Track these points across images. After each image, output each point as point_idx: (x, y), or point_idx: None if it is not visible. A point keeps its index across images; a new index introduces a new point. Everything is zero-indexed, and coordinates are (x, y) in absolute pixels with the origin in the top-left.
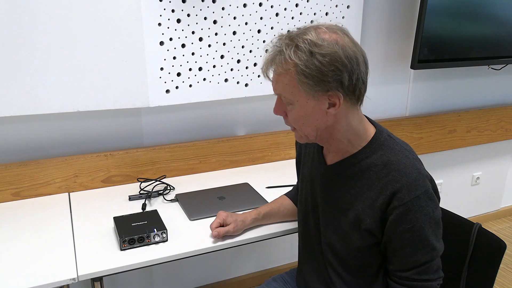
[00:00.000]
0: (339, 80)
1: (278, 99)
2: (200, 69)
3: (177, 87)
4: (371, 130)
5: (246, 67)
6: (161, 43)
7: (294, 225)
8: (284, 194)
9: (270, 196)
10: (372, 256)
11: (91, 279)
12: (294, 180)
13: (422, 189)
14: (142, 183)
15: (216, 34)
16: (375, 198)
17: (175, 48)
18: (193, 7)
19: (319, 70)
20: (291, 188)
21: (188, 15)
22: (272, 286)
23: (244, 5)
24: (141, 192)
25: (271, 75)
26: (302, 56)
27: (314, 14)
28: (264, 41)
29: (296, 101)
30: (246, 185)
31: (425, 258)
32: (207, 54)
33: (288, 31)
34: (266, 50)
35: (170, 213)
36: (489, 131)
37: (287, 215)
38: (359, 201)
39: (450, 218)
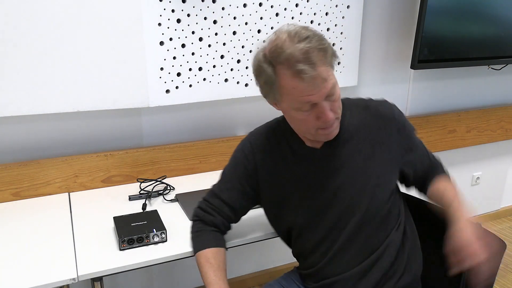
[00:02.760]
0: None
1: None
2: (200, 69)
3: (177, 87)
4: None
5: (246, 67)
6: (161, 43)
7: None
8: (212, 248)
9: None
10: (396, 199)
11: (91, 279)
12: None
13: (393, 103)
14: (142, 183)
15: (216, 34)
16: (383, 131)
17: (175, 48)
18: (193, 7)
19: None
20: None
21: (188, 15)
22: None
23: (244, 5)
24: (141, 192)
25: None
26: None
27: (314, 14)
28: (264, 41)
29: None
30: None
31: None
32: (207, 54)
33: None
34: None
35: (170, 213)
36: (489, 131)
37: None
38: (370, 147)
39: None
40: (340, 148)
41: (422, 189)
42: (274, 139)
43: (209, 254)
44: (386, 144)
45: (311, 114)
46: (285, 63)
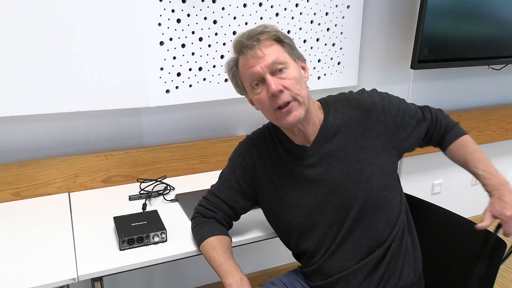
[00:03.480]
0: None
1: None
2: (200, 69)
3: (177, 87)
4: (315, 101)
5: None
6: (161, 43)
7: None
8: (216, 235)
9: None
10: (394, 184)
11: (91, 279)
12: None
13: (376, 90)
14: (142, 183)
15: (216, 34)
16: (369, 121)
17: (175, 48)
18: (193, 7)
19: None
20: None
21: (188, 15)
22: None
23: (244, 5)
24: (141, 192)
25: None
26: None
27: (314, 14)
28: None
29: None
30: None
31: (416, 106)
32: (207, 54)
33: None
34: None
35: (170, 213)
36: (489, 131)
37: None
38: (360, 138)
39: (450, 218)
40: (329, 144)
41: (443, 150)
42: (270, 139)
43: (214, 241)
44: (374, 131)
45: (263, 91)
46: (235, 48)
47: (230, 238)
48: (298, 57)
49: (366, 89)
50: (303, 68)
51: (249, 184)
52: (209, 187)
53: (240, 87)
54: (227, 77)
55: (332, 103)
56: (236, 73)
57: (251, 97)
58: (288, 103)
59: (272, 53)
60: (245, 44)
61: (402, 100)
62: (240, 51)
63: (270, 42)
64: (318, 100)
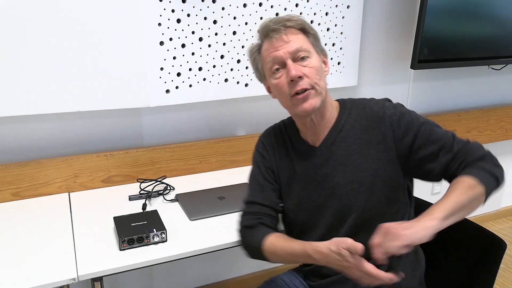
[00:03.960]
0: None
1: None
2: (200, 69)
3: (177, 87)
4: (333, 100)
5: (246, 67)
6: (161, 43)
7: None
8: (271, 234)
9: None
10: (399, 199)
11: (91, 279)
12: None
13: (399, 104)
14: (142, 183)
15: (216, 34)
16: (377, 131)
17: (175, 48)
18: (193, 7)
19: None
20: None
21: (188, 15)
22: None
23: (244, 5)
24: (141, 192)
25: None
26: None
27: (314, 14)
28: None
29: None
30: (246, 185)
31: (450, 132)
32: (207, 54)
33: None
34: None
35: (170, 213)
36: (489, 131)
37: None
38: (366, 147)
39: None
40: (336, 147)
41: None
42: (280, 137)
43: (271, 239)
44: (382, 143)
45: (283, 76)
46: (261, 32)
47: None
48: (321, 50)
49: (392, 101)
50: (324, 63)
51: (275, 179)
52: (242, 202)
53: (260, 73)
54: (249, 62)
55: (349, 107)
56: (257, 58)
57: (270, 82)
58: (305, 90)
59: (297, 41)
60: (272, 28)
61: (428, 123)
62: (265, 35)
63: (296, 31)
64: (337, 100)
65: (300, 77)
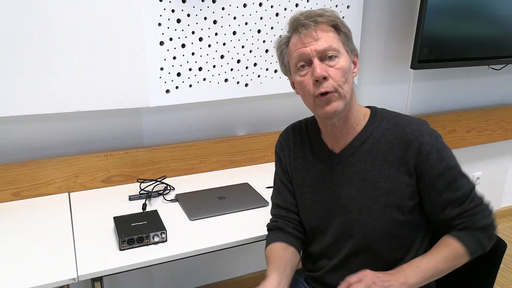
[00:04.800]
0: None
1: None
2: (200, 69)
3: (177, 87)
4: (364, 108)
5: (246, 67)
6: (161, 43)
7: None
8: (272, 244)
9: (270, 195)
10: (411, 222)
11: (91, 279)
12: None
13: (437, 133)
14: (142, 183)
15: (216, 34)
16: (403, 154)
17: (175, 48)
18: (193, 7)
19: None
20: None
21: (188, 15)
22: None
23: (244, 5)
24: (141, 192)
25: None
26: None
27: None
28: (264, 41)
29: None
30: (246, 185)
31: (470, 186)
32: (207, 54)
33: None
34: (267, 51)
35: (170, 213)
36: (489, 131)
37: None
38: (387, 166)
39: None
40: (357, 159)
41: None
42: (298, 136)
43: (270, 249)
44: (404, 166)
45: (308, 75)
46: (290, 25)
47: (294, 245)
48: (351, 50)
49: (429, 126)
50: (354, 63)
51: (290, 181)
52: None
53: (285, 67)
54: (276, 54)
55: (380, 118)
56: (285, 51)
57: (294, 78)
58: (327, 93)
59: (327, 39)
60: (302, 23)
61: (455, 168)
62: (295, 29)
63: (327, 28)
64: (369, 107)
65: (324, 78)
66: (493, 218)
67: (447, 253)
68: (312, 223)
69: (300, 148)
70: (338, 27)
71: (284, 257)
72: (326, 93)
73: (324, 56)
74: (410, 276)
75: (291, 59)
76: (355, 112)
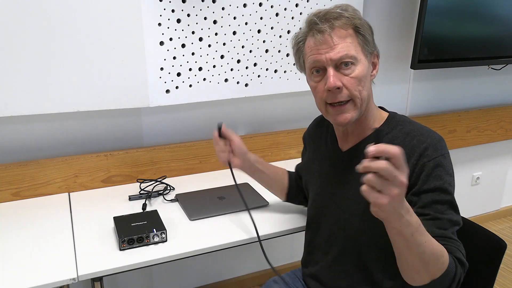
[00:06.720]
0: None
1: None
2: (200, 69)
3: (177, 87)
4: (383, 111)
5: (246, 67)
6: (161, 43)
7: (295, 224)
8: (287, 171)
9: (270, 195)
10: None
11: (91, 279)
12: None
13: (446, 150)
14: (142, 183)
15: (216, 34)
16: (405, 163)
17: (175, 48)
18: (193, 7)
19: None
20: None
21: (188, 15)
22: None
23: (244, 5)
24: (141, 192)
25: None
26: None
27: None
28: (264, 41)
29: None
30: (246, 185)
31: (456, 218)
32: (207, 54)
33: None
34: (267, 51)
35: (170, 213)
36: (489, 131)
37: (273, 186)
38: None
39: None
40: (358, 160)
41: None
42: (320, 129)
43: None
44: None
45: (322, 81)
46: (307, 24)
47: (288, 181)
48: (371, 52)
49: (445, 143)
50: (374, 65)
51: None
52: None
53: (300, 65)
54: (291, 49)
55: (394, 125)
56: (301, 49)
57: (308, 81)
58: (342, 102)
59: (344, 47)
60: (318, 27)
61: (449, 200)
62: (310, 30)
63: (345, 32)
64: (389, 112)
65: (338, 88)
66: (462, 272)
67: (438, 246)
68: (311, 213)
69: (318, 140)
70: (357, 29)
71: (278, 171)
72: (340, 103)
73: (340, 64)
74: (405, 214)
75: (306, 60)
76: (369, 116)
